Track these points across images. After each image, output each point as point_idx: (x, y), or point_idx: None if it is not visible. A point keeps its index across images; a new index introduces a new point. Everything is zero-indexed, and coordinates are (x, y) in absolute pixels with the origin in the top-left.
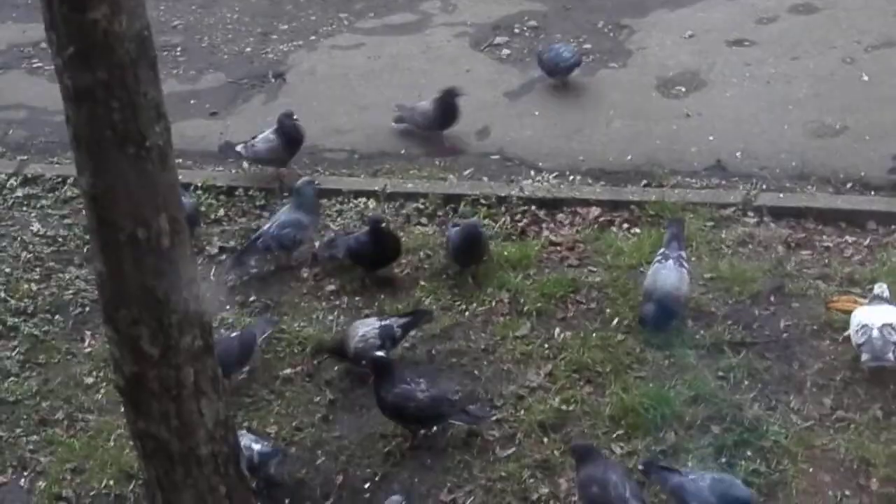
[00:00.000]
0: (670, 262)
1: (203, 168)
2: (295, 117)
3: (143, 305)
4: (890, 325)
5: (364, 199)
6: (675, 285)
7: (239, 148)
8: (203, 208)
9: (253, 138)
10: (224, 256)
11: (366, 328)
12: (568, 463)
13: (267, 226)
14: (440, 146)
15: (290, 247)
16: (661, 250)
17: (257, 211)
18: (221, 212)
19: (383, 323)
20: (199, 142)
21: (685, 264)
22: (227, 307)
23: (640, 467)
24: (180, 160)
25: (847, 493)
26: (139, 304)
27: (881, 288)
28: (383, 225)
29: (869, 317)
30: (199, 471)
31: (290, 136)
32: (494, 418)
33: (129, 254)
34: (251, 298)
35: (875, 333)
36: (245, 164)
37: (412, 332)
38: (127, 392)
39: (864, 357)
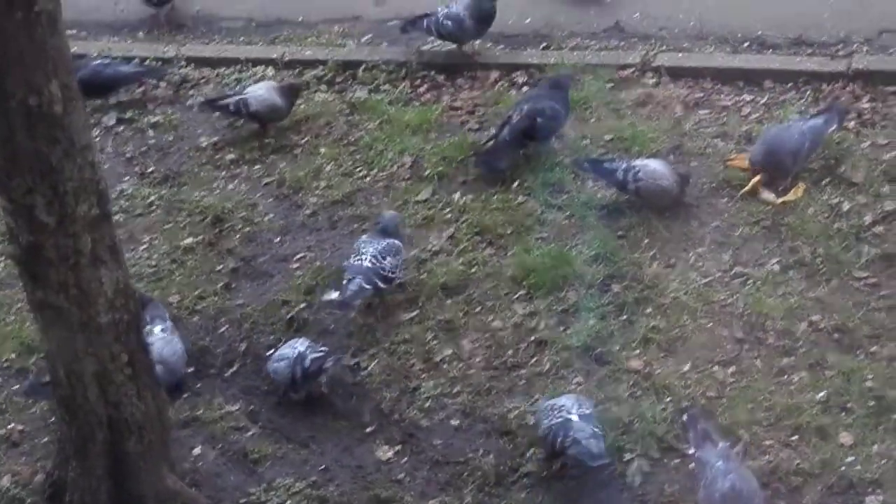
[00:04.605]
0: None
1: (98, 39)
2: None
3: (38, 173)
4: None
5: (262, 68)
6: None
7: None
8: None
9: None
10: (122, 128)
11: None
12: (471, 324)
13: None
14: None
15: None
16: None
17: (154, 81)
18: None
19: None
20: (94, 12)
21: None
22: (126, 178)
23: None
24: (74, 31)
25: (745, 346)
26: (33, 172)
27: None
28: None
29: None
30: (100, 339)
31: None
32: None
33: (22, 121)
34: (150, 169)
35: None
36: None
37: None
38: (24, 262)
39: None
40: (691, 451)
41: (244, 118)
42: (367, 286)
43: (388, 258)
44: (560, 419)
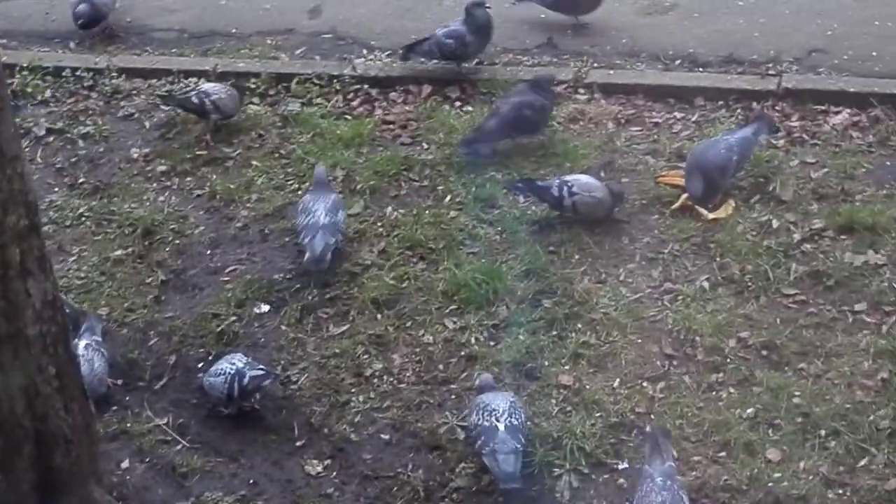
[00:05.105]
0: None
1: (29, 49)
2: (487, 6)
3: None
4: None
5: (195, 80)
6: None
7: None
8: (29, 89)
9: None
10: (52, 139)
11: None
12: (402, 339)
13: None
14: None
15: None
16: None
17: (85, 91)
18: (48, 93)
19: None
20: (25, 21)
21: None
22: (56, 189)
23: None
24: (5, 41)
25: (675, 362)
26: None
27: None
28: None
29: None
30: (28, 351)
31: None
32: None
33: None
34: (80, 180)
35: None
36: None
37: None
38: None
39: None
40: (621, 467)
41: (204, 111)
42: (332, 239)
43: (340, 212)
44: (488, 423)
